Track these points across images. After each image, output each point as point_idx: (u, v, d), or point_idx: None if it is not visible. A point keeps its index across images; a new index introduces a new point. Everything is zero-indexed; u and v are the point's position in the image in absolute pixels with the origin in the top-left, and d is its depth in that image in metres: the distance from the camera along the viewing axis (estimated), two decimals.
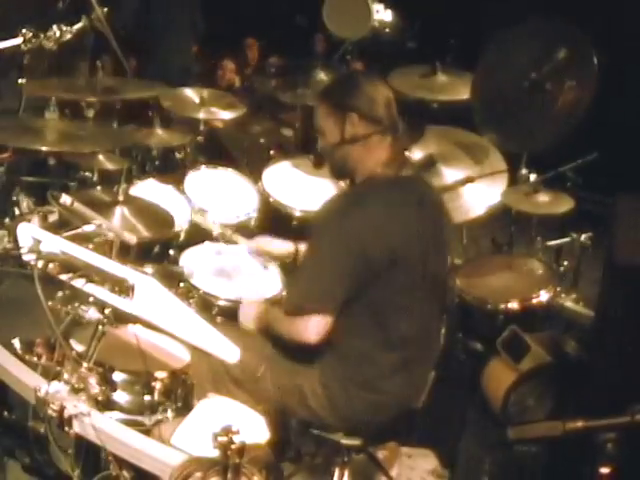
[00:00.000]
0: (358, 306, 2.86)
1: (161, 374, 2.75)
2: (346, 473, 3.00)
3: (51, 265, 2.49)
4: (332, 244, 2.85)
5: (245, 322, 3.13)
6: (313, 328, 2.83)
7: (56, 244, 2.53)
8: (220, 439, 2.11)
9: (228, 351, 2.64)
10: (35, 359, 2.86)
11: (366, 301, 2.86)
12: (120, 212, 3.51)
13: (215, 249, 3.75)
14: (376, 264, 2.81)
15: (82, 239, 3.00)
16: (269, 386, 2.97)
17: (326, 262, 2.85)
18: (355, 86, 2.96)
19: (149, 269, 3.38)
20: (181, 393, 2.81)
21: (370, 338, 2.91)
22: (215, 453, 2.13)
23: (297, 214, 3.99)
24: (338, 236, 2.83)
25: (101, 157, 4.20)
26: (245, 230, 3.98)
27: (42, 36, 3.66)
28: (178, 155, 4.78)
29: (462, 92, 4.68)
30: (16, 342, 2.91)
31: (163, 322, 2.57)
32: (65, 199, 3.05)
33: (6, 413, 2.76)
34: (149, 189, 4.04)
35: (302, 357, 2.96)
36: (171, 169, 4.61)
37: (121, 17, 5.08)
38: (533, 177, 4.14)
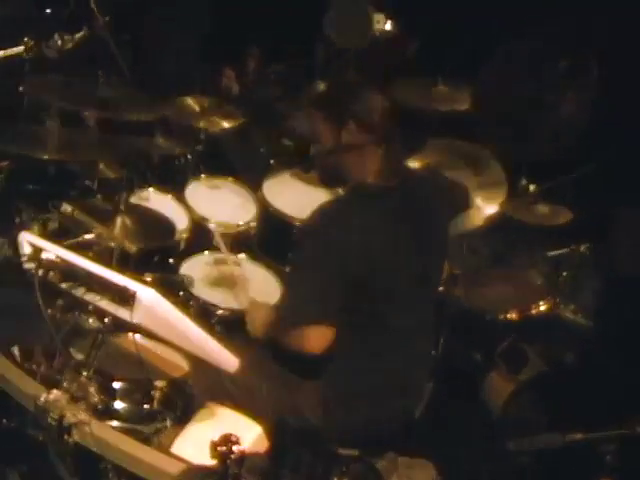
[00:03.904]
0: (350, 318, 2.84)
1: (160, 383, 2.75)
2: None
3: (51, 273, 2.49)
4: (315, 258, 2.83)
5: (252, 328, 3.11)
6: (314, 339, 2.81)
7: (56, 252, 2.53)
8: (219, 448, 2.11)
9: (227, 360, 2.65)
10: (34, 367, 2.87)
11: (356, 313, 2.85)
12: (120, 221, 3.51)
13: (215, 258, 3.76)
14: (358, 275, 2.80)
15: (82, 247, 3.01)
16: (266, 401, 2.96)
17: (313, 276, 2.83)
18: (354, 94, 2.94)
19: (149, 278, 3.38)
20: (180, 402, 2.81)
21: (365, 349, 2.91)
22: (214, 462, 2.13)
23: (297, 224, 3.98)
24: (321, 249, 2.82)
25: (102, 165, 4.20)
26: (245, 239, 3.99)
27: (43, 44, 3.66)
28: (178, 164, 4.77)
29: (463, 102, 4.69)
30: (15, 350, 2.91)
31: (162, 331, 2.57)
32: (65, 207, 3.06)
33: (5, 421, 2.75)
34: (149, 198, 4.04)
35: (299, 371, 2.95)
36: (171, 178, 4.60)
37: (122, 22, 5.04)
38: (532, 188, 4.14)
